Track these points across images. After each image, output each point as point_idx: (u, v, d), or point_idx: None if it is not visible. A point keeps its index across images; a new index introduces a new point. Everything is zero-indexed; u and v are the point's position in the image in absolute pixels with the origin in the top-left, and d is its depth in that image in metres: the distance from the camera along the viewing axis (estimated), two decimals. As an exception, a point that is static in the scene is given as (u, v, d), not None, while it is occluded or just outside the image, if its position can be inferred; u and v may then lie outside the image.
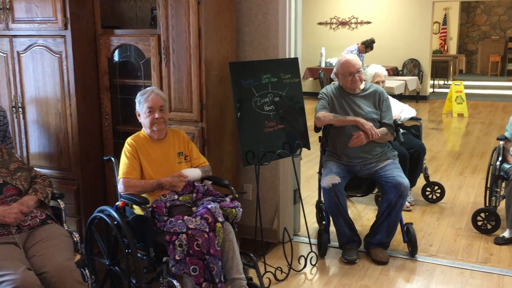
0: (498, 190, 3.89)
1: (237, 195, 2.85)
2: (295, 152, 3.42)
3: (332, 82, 3.81)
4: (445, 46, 16.47)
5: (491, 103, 10.59)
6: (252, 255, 2.86)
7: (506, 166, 3.85)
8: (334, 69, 3.67)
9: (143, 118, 2.81)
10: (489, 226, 3.86)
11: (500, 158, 3.90)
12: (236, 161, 3.61)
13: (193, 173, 2.86)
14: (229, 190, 2.88)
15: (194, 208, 2.69)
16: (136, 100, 2.86)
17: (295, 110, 3.48)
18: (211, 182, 2.96)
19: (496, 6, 16.96)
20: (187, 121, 3.30)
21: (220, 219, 2.59)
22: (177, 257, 2.45)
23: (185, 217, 2.54)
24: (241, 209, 2.76)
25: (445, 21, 16.41)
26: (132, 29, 3.65)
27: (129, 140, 2.82)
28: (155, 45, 3.30)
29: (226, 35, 3.42)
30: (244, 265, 2.74)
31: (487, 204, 3.99)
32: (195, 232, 2.47)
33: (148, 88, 2.89)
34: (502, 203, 3.84)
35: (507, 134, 3.99)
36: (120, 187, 2.72)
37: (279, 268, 3.28)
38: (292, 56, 3.63)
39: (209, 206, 2.61)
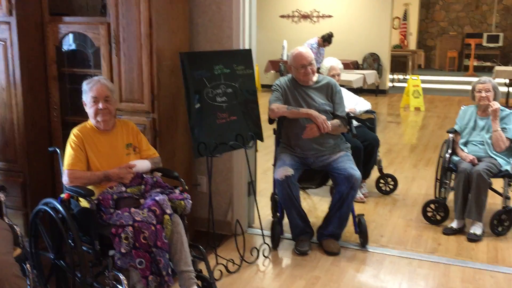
0: (448, 182, 3.99)
1: (186, 187, 2.82)
2: (248, 144, 3.40)
3: (287, 74, 3.81)
4: (405, 41, 16.78)
5: (447, 98, 10.86)
6: (201, 247, 2.84)
7: (455, 158, 3.95)
8: (288, 62, 3.67)
9: (88, 108, 2.74)
10: (438, 217, 3.95)
11: (449, 151, 3.99)
12: (190, 153, 3.57)
13: (142, 164, 2.81)
14: (179, 181, 2.84)
15: (142, 200, 2.64)
16: (82, 89, 2.78)
17: (248, 102, 3.46)
18: (160, 174, 2.91)
19: (454, 3, 17.37)
20: (138, 112, 3.24)
21: (168, 211, 2.55)
22: (123, 250, 2.40)
23: (132, 210, 2.49)
24: (190, 201, 2.73)
25: (405, 17, 16.71)
26: (82, 16, 3.55)
27: (74, 130, 2.74)
28: (105, 34, 3.22)
29: (179, 25, 3.37)
30: (193, 258, 2.71)
31: (437, 196, 4.08)
32: (141, 225, 2.43)
33: (94, 78, 2.82)
34: (451, 195, 3.94)
35: (456, 127, 4.09)
36: (65, 179, 2.64)
37: (231, 260, 3.27)
38: (247, 47, 3.61)
39: (157, 198, 2.57)
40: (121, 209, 2.51)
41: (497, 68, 9.17)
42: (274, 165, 3.72)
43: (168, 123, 3.33)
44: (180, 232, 2.61)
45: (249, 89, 3.46)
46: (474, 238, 3.65)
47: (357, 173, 3.40)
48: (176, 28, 3.33)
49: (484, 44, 16.12)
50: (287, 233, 3.66)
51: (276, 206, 3.84)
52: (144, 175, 2.79)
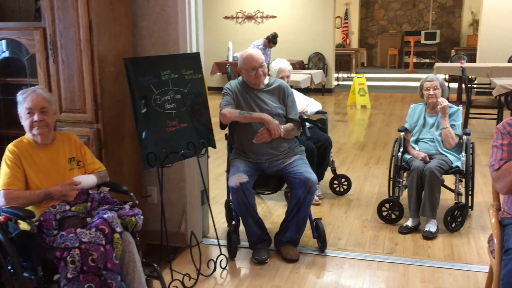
0: (401, 180, 4.00)
1: (137, 202, 2.65)
2: (200, 152, 3.26)
3: (237, 77, 3.69)
4: (347, 40, 17.08)
5: (391, 95, 11.09)
6: (156, 265, 2.67)
7: (407, 156, 3.96)
8: (238, 64, 3.55)
9: (23, 120, 2.52)
10: (393, 216, 3.95)
11: (401, 149, 4.00)
12: (138, 163, 3.38)
13: (87, 179, 2.61)
14: (129, 196, 2.66)
15: (89, 219, 2.45)
16: (17, 101, 2.55)
17: (198, 108, 3.32)
18: (108, 188, 2.73)
19: (392, 2, 17.85)
20: (81, 122, 3.03)
21: (118, 229, 2.38)
22: (69, 275, 2.21)
23: (78, 230, 2.30)
24: (141, 217, 2.56)
25: (346, 16, 17.01)
26: (14, 22, 3.29)
27: (10, 146, 2.51)
28: (40, 39, 2.99)
29: (121, 29, 3.18)
30: (147, 277, 2.55)
31: (390, 195, 4.08)
32: (89, 246, 2.24)
33: (30, 88, 2.59)
34: (405, 193, 3.95)
35: (407, 125, 4.11)
36: (1, 200, 2.41)
37: (187, 275, 3.12)
38: (194, 50, 3.47)
39: (105, 216, 2.38)
40: (66, 230, 2.31)
41: (437, 64, 9.43)
42: (228, 171, 3.60)
43: (114, 133, 3.13)
44: (132, 251, 2.44)
45: (198, 94, 3.31)
46: (429, 236, 3.67)
47: (313, 176, 3.33)
48: (118, 32, 3.14)
49: (422, 41, 16.66)
50: (244, 242, 3.55)
51: (231, 214, 3.72)
52: (90, 191, 2.60)
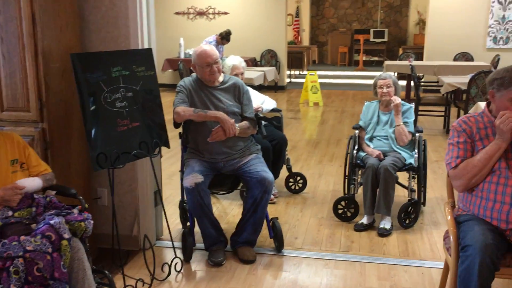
0: (356, 178, 4.01)
1: (86, 205, 2.51)
2: (153, 152, 3.14)
3: (191, 74, 3.59)
4: (299, 37, 17.19)
5: (342, 92, 11.23)
6: (107, 272, 2.55)
7: (362, 154, 3.98)
8: (192, 61, 3.45)
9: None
10: (349, 214, 3.96)
11: (356, 147, 4.01)
12: (88, 164, 3.23)
13: (32, 183, 2.45)
14: (77, 200, 2.52)
15: (33, 225, 2.30)
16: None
17: (151, 106, 3.19)
18: (54, 192, 2.57)
19: (342, 0, 18.10)
20: (24, 121, 2.85)
21: (66, 235, 2.23)
22: (12, 287, 2.05)
23: (22, 237, 2.14)
24: (91, 221, 2.42)
25: (297, 14, 17.12)
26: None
27: None
28: (-22, 32, 2.78)
29: (68, 23, 3.01)
30: (98, 285, 2.42)
31: (346, 192, 4.09)
32: (34, 255, 2.09)
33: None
34: (360, 190, 3.96)
35: (361, 123, 4.12)
36: None
37: (140, 280, 2.99)
38: (146, 46, 3.34)
39: (52, 222, 2.23)
40: (8, 238, 2.15)
41: (387, 62, 9.62)
42: (182, 171, 3.50)
43: (61, 132, 2.97)
44: (81, 258, 2.31)
45: (151, 92, 3.19)
46: (384, 233, 3.69)
47: (270, 175, 3.28)
48: (64, 26, 2.97)
49: (371, 39, 16.97)
50: (199, 243, 3.46)
51: (186, 215, 3.63)
52: (35, 195, 2.44)
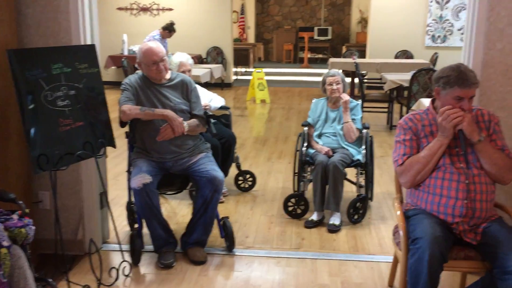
0: (305, 175, 4.03)
1: (27, 210, 2.37)
2: (98, 152, 3.02)
3: (136, 72, 3.48)
4: (244, 34, 17.19)
5: (289, 89, 11.31)
6: (50, 280, 2.42)
7: (311, 151, 4.00)
8: (137, 59, 3.34)
9: None
10: (299, 211, 3.97)
11: (305, 144, 4.03)
12: (28, 166, 3.06)
13: (-34, 188, 2.28)
14: (17, 205, 2.37)
15: (-31, 233, 2.14)
16: None
17: (95, 104, 3.06)
18: (-8, 197, 2.41)
19: (286, -2, 18.26)
20: (-44, 122, 2.66)
21: (5, 243, 2.10)
22: None
23: (-44, 247, 1.99)
24: (33, 227, 2.29)
25: (242, 11, 17.11)
26: None
27: None
28: None
29: (3, 17, 2.84)
30: (41, 294, 2.29)
31: (295, 189, 4.10)
32: (-30, 266, 1.95)
33: None
34: (309, 187, 3.99)
35: (309, 120, 4.14)
36: None
37: (86, 286, 2.87)
38: (89, 42, 3.20)
39: (-11, 229, 2.09)
40: None
41: (331, 59, 9.77)
42: (129, 171, 3.39)
43: (-3, 133, 2.79)
44: (22, 266, 2.17)
45: (95, 90, 3.06)
46: (334, 229, 3.73)
47: (220, 174, 3.23)
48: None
49: (316, 37, 17.21)
50: (148, 245, 3.36)
51: (134, 216, 3.52)
52: (-30, 201, 2.28)
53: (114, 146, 3.17)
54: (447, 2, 10.63)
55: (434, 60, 9.49)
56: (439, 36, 10.81)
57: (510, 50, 2.88)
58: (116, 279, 3.02)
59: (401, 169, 2.55)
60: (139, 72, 3.38)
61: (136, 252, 3.23)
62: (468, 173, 2.43)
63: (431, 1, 10.66)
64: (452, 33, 10.73)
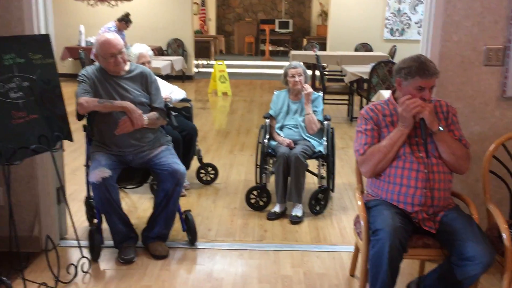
0: (267, 167, 4.03)
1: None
2: (54, 146, 2.92)
3: (94, 63, 3.38)
4: (205, 26, 17.04)
5: (250, 81, 11.30)
6: (5, 278, 2.33)
7: (273, 143, 4.00)
8: (93, 50, 3.24)
9: None
10: (261, 203, 3.97)
11: (267, 136, 4.02)
12: (-22, 161, 2.93)
13: None
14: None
15: None
16: None
17: (51, 96, 2.96)
18: None
19: (247, -10, 18.20)
20: None
21: (-45, 242, 2.00)
22: None
23: None
24: (-15, 225, 2.20)
25: (203, 3, 16.94)
26: None
27: None
28: None
29: (-50, 4, 2.70)
30: (-5, 293, 2.21)
31: (258, 182, 4.10)
32: None
33: None
34: (272, 179, 3.99)
35: (271, 112, 4.14)
36: None
37: (43, 284, 2.78)
38: (43, 32, 3.08)
39: None
40: None
41: (293, 52, 9.81)
42: (87, 166, 3.30)
43: None
44: (-26, 265, 2.08)
45: (50, 81, 2.95)
46: (296, 220, 3.75)
47: (181, 167, 3.19)
48: None
49: (277, 30, 17.25)
50: (108, 241, 3.28)
51: (93, 211, 3.44)
52: None
53: (71, 139, 3.08)
54: (405, -4, 10.83)
55: (392, 53, 9.66)
56: (397, 30, 11.01)
57: (466, 42, 2.94)
58: (75, 276, 2.95)
59: (362, 159, 2.57)
60: (97, 63, 3.29)
61: (95, 248, 3.16)
62: (427, 163, 2.47)
63: (390, -5, 10.84)
64: (409, 26, 10.95)
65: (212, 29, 17.52)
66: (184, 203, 4.02)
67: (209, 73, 10.23)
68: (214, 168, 4.63)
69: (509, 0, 2.88)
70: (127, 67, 3.29)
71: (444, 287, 2.42)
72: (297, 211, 3.80)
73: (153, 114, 3.28)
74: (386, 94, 4.37)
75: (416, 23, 10.81)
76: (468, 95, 3.01)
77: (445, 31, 2.94)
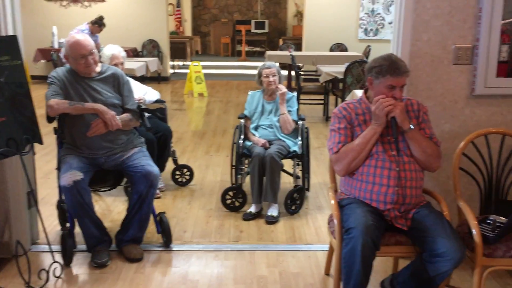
0: (243, 167, 4.02)
1: None
2: (24, 149, 2.86)
3: (65, 65, 3.33)
4: (181, 27, 16.95)
5: (227, 82, 11.27)
6: (-28, 286, 2.27)
7: (248, 143, 4.00)
8: (63, 51, 3.19)
9: None
10: (237, 204, 3.96)
11: (242, 136, 4.02)
12: None
13: None
14: None
15: None
16: None
17: (19, 98, 2.89)
18: None
19: (223, -9, 18.16)
20: None
21: None
22: None
23: None
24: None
25: (178, 3, 16.84)
26: None
27: None
28: None
29: None
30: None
31: (233, 182, 4.09)
32: None
33: None
34: (247, 179, 3.98)
35: (246, 112, 4.14)
36: None
37: (14, 290, 2.73)
38: (11, 33, 3.02)
39: None
40: None
41: (268, 52, 9.83)
42: (59, 169, 3.24)
43: None
44: None
45: (18, 83, 2.89)
46: (272, 220, 3.75)
47: (155, 169, 3.16)
48: None
49: (253, 30, 17.24)
50: (81, 245, 3.23)
51: (65, 215, 3.36)
52: None
53: (40, 142, 3.02)
54: (378, -4, 10.95)
55: (367, 53, 9.75)
56: (371, 30, 11.12)
57: (435, 41, 2.98)
58: (47, 281, 2.89)
59: (336, 157, 2.58)
60: (67, 65, 3.24)
61: (67, 252, 3.10)
62: (399, 161, 2.50)
63: (364, -5, 10.95)
64: (383, 26, 11.07)
65: (188, 30, 17.42)
66: (159, 205, 4.00)
67: (185, 74, 10.18)
68: (190, 169, 4.60)
69: (477, 0, 2.92)
70: (98, 69, 3.25)
71: (416, 284, 2.45)
72: (273, 211, 3.80)
73: (126, 115, 3.24)
74: (360, 93, 4.39)
75: (389, 23, 10.93)
76: (439, 94, 3.06)
77: (415, 31, 2.98)
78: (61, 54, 3.09)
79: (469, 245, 2.44)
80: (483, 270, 2.40)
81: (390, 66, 2.46)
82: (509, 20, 2.95)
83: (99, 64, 3.28)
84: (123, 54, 4.19)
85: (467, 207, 2.53)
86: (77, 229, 3.17)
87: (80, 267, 3.09)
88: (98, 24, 7.96)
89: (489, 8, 2.88)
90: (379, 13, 11.04)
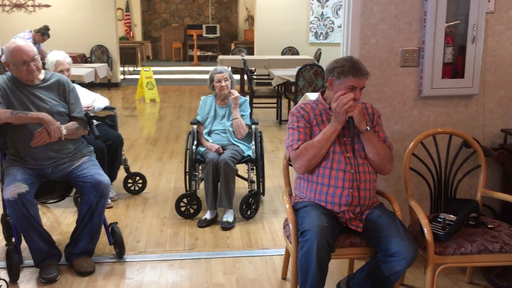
0: (197, 173, 3.97)
1: None
2: (-37, 162, 2.71)
3: (5, 72, 3.18)
4: (131, 32, 16.68)
5: (179, 87, 11.15)
6: None
7: (201, 149, 3.94)
8: (3, 58, 3.05)
9: None
10: (191, 211, 3.90)
11: (195, 142, 3.96)
12: None
13: None
14: None
15: None
16: None
17: (-43, 109, 2.74)
18: None
19: (173, -5, 17.99)
20: None
21: None
22: None
23: None
24: None
25: (128, 8, 16.57)
26: None
27: None
28: None
29: None
30: None
31: (187, 189, 4.03)
32: None
33: None
34: (202, 186, 3.93)
35: (198, 117, 4.09)
36: None
37: (-45, 312, 2.57)
38: None
39: None
40: None
41: (221, 57, 9.77)
42: (2, 182, 3.09)
43: None
44: None
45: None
46: (227, 226, 3.71)
47: (105, 178, 3.06)
48: None
49: (204, 35, 17.17)
50: (28, 260, 3.09)
51: (10, 230, 3.22)
52: None
53: (-19, 154, 2.87)
54: (327, 1, 11.12)
55: (318, 56, 9.87)
56: (321, 33, 11.28)
57: (383, 44, 3.04)
58: (-9, 300, 2.75)
59: (296, 153, 2.56)
60: (9, 72, 3.10)
61: (13, 269, 2.96)
62: (354, 163, 2.51)
63: (313, 0, 11.08)
64: (333, 30, 11.25)
65: (138, 35, 17.16)
66: (111, 215, 3.89)
67: (136, 79, 9.99)
68: (142, 177, 4.50)
69: (422, 3, 3.00)
70: (41, 76, 3.12)
71: (372, 284, 2.47)
72: (228, 217, 3.77)
73: (72, 124, 3.13)
74: (312, 96, 4.43)
75: (339, 26, 11.12)
76: (388, 96, 3.11)
77: (363, 34, 3.02)
78: (2, 60, 2.94)
79: (421, 243, 2.48)
80: (435, 267, 2.45)
81: (353, 67, 2.48)
82: (453, 23, 3.04)
83: (43, 71, 3.15)
84: (69, 60, 4.05)
85: (418, 206, 2.58)
86: (24, 244, 3.03)
87: (27, 283, 2.95)
88: (41, 33, 7.72)
89: (433, 11, 2.96)
90: (328, 17, 11.21)
